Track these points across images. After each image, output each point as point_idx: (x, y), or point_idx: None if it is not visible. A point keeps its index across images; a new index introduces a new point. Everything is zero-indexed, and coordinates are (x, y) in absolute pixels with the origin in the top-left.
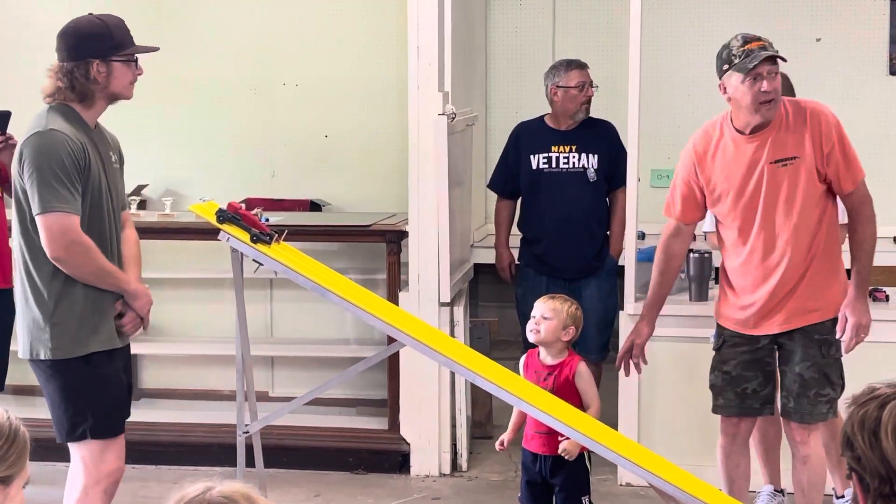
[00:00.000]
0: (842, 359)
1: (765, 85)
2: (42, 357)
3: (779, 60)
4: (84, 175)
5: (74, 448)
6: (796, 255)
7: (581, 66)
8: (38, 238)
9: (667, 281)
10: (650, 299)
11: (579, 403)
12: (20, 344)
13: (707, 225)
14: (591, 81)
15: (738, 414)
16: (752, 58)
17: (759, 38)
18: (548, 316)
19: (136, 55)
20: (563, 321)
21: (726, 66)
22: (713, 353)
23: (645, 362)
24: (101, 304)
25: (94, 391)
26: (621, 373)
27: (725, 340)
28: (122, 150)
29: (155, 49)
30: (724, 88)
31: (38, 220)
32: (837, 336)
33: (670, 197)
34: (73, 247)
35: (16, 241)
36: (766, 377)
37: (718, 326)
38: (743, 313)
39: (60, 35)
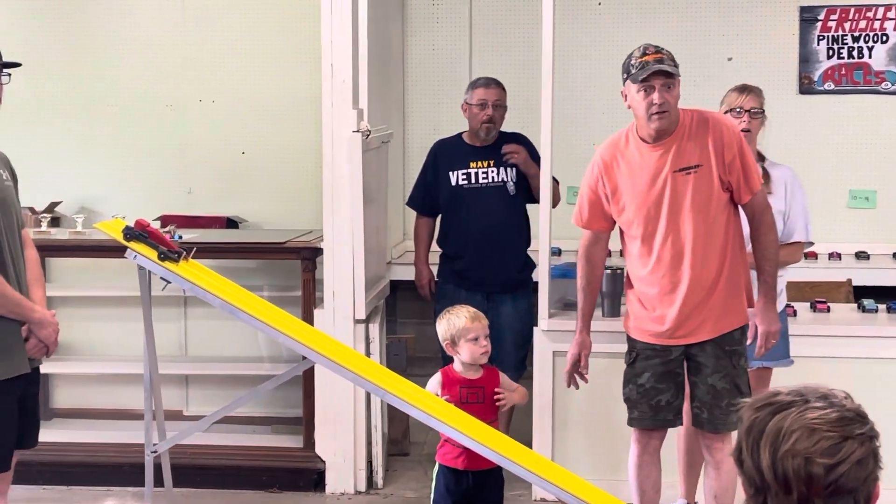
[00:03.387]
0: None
1: (655, 97)
2: None
3: (679, 71)
4: None
5: None
6: (706, 263)
7: (487, 84)
8: None
9: (594, 290)
10: (583, 310)
11: (497, 414)
12: None
13: None
14: (498, 101)
15: (653, 426)
16: (644, 70)
17: (658, 51)
18: (488, 334)
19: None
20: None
21: (625, 76)
22: (626, 366)
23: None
24: (7, 329)
25: None
26: (536, 389)
27: (638, 354)
28: (13, 168)
29: (15, 65)
30: (625, 97)
31: None
32: (748, 343)
33: (578, 205)
34: None
35: None
36: (677, 388)
37: (630, 340)
38: (656, 325)
39: None
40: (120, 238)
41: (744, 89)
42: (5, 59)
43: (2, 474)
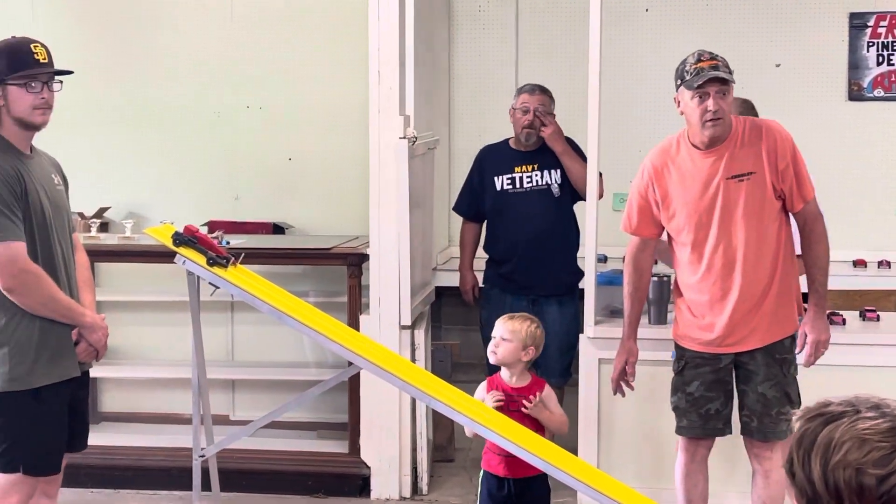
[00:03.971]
0: (797, 379)
1: (710, 104)
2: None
3: (734, 78)
4: (23, 201)
5: None
6: (757, 271)
7: (532, 90)
8: None
9: (641, 296)
10: (630, 317)
11: (541, 426)
12: None
13: None
14: (542, 107)
15: (702, 435)
16: (700, 76)
17: (713, 57)
18: (507, 337)
19: (41, 79)
20: (523, 341)
21: (679, 82)
22: (673, 375)
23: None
24: (58, 332)
25: (37, 429)
26: (581, 397)
27: (687, 362)
28: (64, 173)
29: (58, 72)
30: (678, 103)
31: None
32: (797, 352)
33: (627, 212)
34: (23, 275)
35: None
36: (727, 397)
37: (678, 348)
38: (705, 334)
39: None
40: (169, 243)
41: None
42: (57, 66)
43: (52, 477)
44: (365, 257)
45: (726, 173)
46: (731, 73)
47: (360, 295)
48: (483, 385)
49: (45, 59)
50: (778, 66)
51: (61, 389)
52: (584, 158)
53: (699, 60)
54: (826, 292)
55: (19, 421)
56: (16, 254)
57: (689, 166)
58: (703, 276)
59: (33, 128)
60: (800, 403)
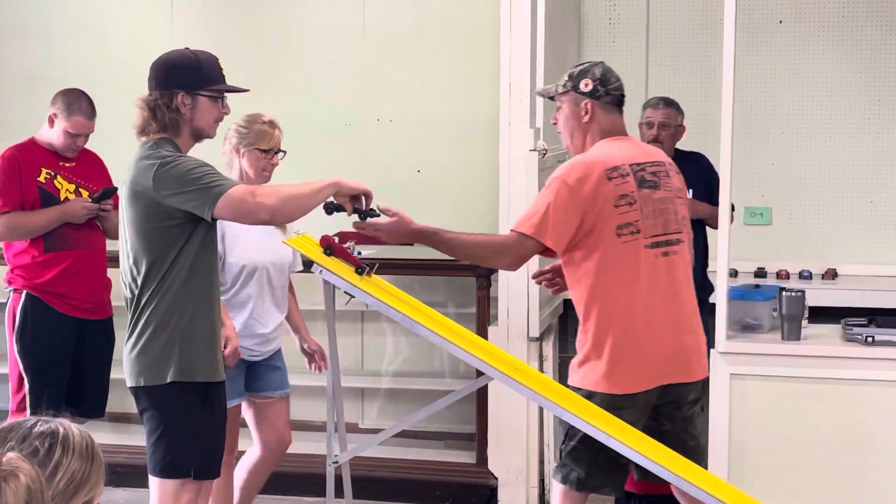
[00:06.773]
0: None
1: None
2: (168, 380)
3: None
4: None
5: (162, 483)
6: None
7: (656, 104)
8: (175, 264)
9: None
10: None
11: None
12: (129, 373)
13: None
14: (666, 121)
15: None
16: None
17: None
18: None
19: (224, 94)
20: None
21: None
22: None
23: None
24: (217, 333)
25: (205, 433)
26: (712, 414)
27: None
28: None
29: (244, 90)
30: None
31: (220, 205)
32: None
33: None
34: (263, 197)
35: (127, 272)
36: None
37: None
38: None
39: (152, 66)
40: (311, 255)
41: None
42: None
43: (214, 480)
44: (494, 269)
45: None
46: (562, 85)
47: (489, 306)
48: None
49: (224, 75)
50: None
51: (221, 393)
52: (716, 175)
53: None
54: (441, 237)
55: (187, 425)
56: (243, 191)
57: None
58: None
59: (201, 139)
60: (565, 442)
